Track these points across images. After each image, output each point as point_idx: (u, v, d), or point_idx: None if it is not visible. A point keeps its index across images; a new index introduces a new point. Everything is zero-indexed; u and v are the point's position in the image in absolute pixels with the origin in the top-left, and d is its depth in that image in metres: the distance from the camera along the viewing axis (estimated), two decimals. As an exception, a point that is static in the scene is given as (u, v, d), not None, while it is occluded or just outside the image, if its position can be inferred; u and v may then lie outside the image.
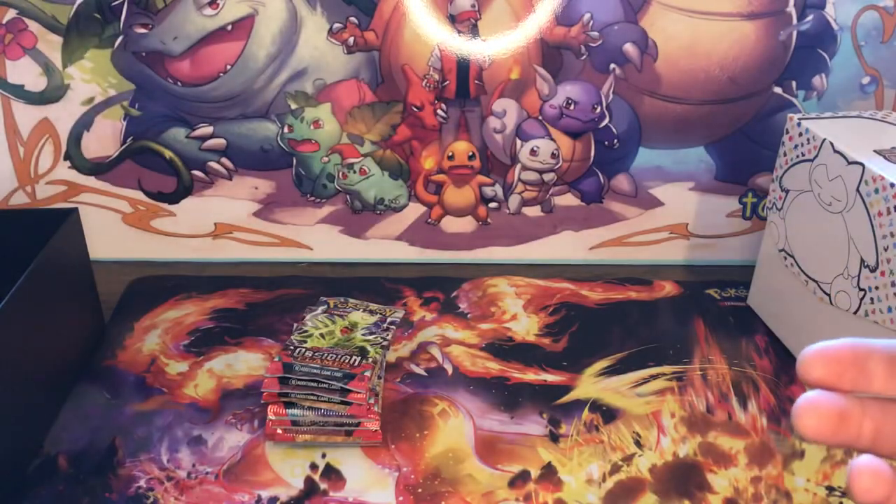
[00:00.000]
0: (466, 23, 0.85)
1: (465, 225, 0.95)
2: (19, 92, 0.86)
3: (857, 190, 0.67)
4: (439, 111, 0.89)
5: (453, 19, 0.85)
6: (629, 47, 0.86)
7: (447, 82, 0.87)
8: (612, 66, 0.87)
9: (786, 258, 0.78)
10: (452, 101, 0.88)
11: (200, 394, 0.74)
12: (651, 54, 0.86)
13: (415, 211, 0.94)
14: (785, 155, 0.77)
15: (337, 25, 0.85)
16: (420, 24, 0.85)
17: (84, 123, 0.88)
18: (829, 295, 0.72)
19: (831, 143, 0.70)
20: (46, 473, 0.65)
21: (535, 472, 0.66)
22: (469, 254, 0.96)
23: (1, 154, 0.89)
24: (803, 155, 0.74)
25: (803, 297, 0.75)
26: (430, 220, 0.94)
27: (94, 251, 0.82)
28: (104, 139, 0.89)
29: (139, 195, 0.92)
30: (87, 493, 0.64)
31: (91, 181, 0.91)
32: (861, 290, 0.68)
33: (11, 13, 0.83)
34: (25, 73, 0.86)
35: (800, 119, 0.75)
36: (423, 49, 0.86)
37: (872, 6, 0.84)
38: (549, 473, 0.66)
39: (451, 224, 0.95)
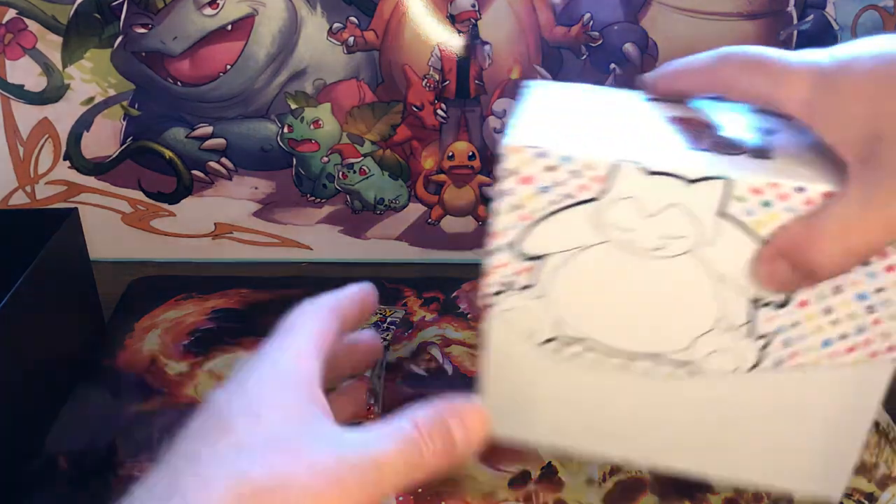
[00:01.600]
0: (466, 23, 0.85)
1: (465, 225, 0.95)
2: (19, 92, 0.86)
3: (723, 214, 0.45)
4: (439, 111, 0.89)
5: (453, 19, 0.85)
6: (629, 47, 0.86)
7: (447, 82, 0.87)
8: (613, 66, 0.87)
9: (570, 345, 0.51)
10: (452, 101, 0.88)
11: (201, 394, 0.74)
12: (651, 54, 0.86)
13: (415, 211, 0.94)
14: (519, 209, 0.46)
15: (337, 25, 0.85)
16: (420, 23, 0.85)
17: (84, 123, 0.88)
18: (687, 363, 0.49)
19: (641, 166, 0.43)
20: (46, 473, 0.65)
21: (535, 473, 0.66)
22: (469, 254, 0.96)
23: (0, 154, 0.89)
24: (571, 196, 0.45)
25: (618, 386, 0.51)
26: (430, 220, 0.94)
27: (94, 251, 0.82)
28: (104, 139, 0.89)
29: (139, 195, 0.92)
30: (87, 493, 0.64)
31: (91, 181, 0.91)
32: (762, 337, 0.48)
33: (11, 13, 0.83)
34: (25, 73, 0.85)
35: (505, 142, 0.45)
36: (423, 49, 0.86)
37: (872, 6, 0.84)
38: (549, 473, 0.66)
39: (451, 224, 0.95)
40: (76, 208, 0.76)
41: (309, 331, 0.44)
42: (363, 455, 0.37)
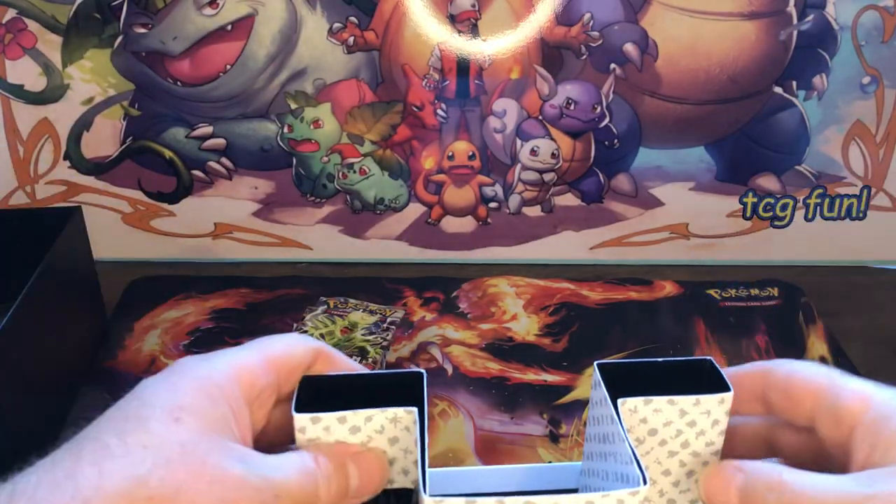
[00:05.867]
0: (466, 22, 0.85)
1: (465, 225, 0.95)
2: (19, 92, 0.86)
3: None
4: (439, 111, 0.89)
5: (453, 19, 0.85)
6: (629, 47, 0.86)
7: (447, 82, 0.87)
8: (613, 65, 0.87)
9: None
10: (452, 101, 0.88)
11: (200, 394, 0.74)
12: (651, 54, 0.86)
13: (415, 211, 0.94)
14: None
15: (337, 25, 0.85)
16: (420, 23, 0.85)
17: (84, 123, 0.88)
18: None
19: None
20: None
21: None
22: (469, 254, 0.96)
23: (0, 154, 0.89)
24: None
25: None
26: (430, 220, 0.94)
27: (94, 251, 0.82)
28: (104, 139, 0.89)
29: (139, 195, 0.92)
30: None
31: (91, 181, 0.91)
32: None
33: (11, 13, 0.83)
34: (25, 72, 0.85)
35: None
36: (423, 49, 0.86)
37: (873, 6, 0.84)
38: None
39: (451, 224, 0.95)
40: (79, 207, 0.76)
41: (265, 352, 0.42)
42: (265, 479, 0.36)
